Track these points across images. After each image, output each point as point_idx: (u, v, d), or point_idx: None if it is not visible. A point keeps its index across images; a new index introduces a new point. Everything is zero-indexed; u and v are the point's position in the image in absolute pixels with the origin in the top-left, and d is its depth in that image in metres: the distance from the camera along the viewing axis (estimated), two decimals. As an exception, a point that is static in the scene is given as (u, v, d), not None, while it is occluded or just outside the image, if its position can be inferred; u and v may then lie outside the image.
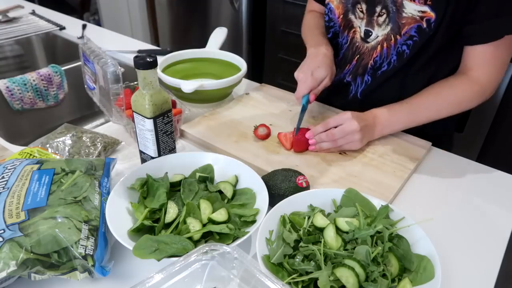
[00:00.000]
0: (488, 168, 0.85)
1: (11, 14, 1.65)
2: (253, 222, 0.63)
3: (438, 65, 0.89)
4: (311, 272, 0.54)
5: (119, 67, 0.80)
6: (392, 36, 0.87)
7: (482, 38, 0.79)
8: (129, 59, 1.34)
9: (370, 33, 0.91)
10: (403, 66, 0.90)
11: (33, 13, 1.72)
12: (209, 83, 0.97)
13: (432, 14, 0.79)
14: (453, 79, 0.85)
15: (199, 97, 1.02)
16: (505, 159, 1.64)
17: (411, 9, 0.81)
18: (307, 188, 0.70)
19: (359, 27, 0.93)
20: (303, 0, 1.32)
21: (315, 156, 0.84)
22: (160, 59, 1.03)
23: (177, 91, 0.97)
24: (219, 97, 1.04)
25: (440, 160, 0.87)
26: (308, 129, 0.85)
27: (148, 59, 0.67)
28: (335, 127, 0.82)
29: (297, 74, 0.91)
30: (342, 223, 0.60)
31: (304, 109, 0.90)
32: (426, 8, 0.79)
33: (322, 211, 0.64)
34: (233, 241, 0.60)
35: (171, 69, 1.10)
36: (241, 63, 1.08)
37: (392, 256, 0.56)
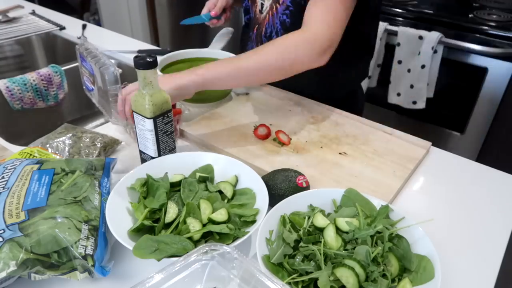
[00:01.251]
0: (488, 168, 0.85)
1: (11, 14, 1.65)
2: (253, 222, 0.63)
3: None
4: (311, 272, 0.54)
5: (117, 68, 0.80)
6: (274, 5, 0.95)
7: None
8: (129, 59, 1.34)
9: (263, 5, 1.01)
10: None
11: (33, 13, 1.72)
12: None
13: None
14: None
15: (198, 97, 1.02)
16: (505, 159, 1.64)
17: None
18: (307, 188, 0.70)
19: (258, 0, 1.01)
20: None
21: (315, 156, 0.84)
22: (160, 58, 1.02)
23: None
24: (218, 97, 1.04)
25: (440, 160, 0.87)
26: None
27: (148, 59, 0.67)
28: None
29: None
30: (342, 223, 0.60)
31: (201, 20, 1.08)
32: None
33: (322, 211, 0.64)
34: (233, 241, 0.60)
35: (170, 68, 1.10)
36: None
37: (392, 256, 0.56)
